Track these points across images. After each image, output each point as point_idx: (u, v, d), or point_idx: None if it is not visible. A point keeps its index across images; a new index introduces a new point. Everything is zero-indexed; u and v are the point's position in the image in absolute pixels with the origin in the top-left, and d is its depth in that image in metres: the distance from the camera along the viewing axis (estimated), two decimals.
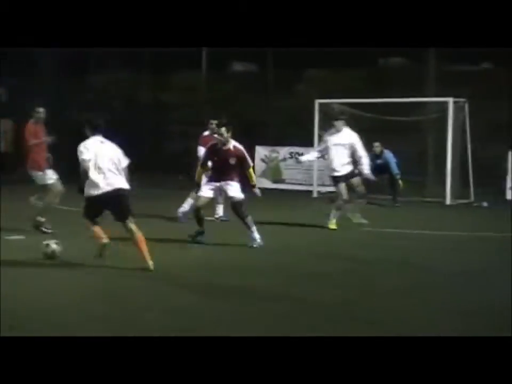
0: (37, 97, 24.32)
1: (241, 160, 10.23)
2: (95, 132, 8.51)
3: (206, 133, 12.77)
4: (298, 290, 7.33)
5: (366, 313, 6.40)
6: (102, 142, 8.43)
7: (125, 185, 8.39)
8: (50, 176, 11.02)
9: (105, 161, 8.25)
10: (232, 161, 10.16)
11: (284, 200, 13.73)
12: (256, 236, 10.03)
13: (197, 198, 10.58)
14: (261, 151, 20.33)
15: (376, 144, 16.63)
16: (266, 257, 9.40)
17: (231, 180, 10.15)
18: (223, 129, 10.16)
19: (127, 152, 8.60)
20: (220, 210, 12.66)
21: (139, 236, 8.27)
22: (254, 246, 9.97)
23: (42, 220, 10.86)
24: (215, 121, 12.12)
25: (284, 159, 19.86)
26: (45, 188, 11.04)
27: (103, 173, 8.20)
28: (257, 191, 10.40)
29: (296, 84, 23.74)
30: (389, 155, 16.59)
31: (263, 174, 19.85)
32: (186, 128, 22.58)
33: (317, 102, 18.50)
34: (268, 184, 19.65)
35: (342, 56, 20.84)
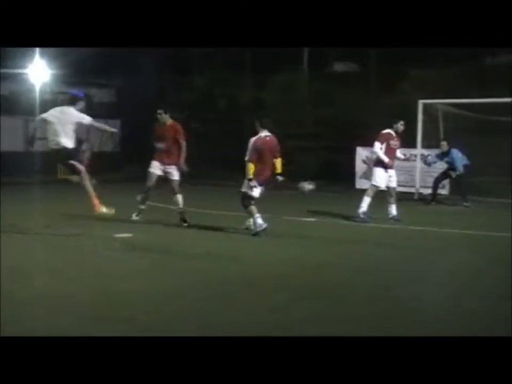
0: (141, 97, 24.96)
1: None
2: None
3: (386, 130, 12.89)
4: (398, 291, 7.17)
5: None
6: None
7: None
8: None
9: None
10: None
11: (384, 201, 13.61)
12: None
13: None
14: (362, 152, 20.11)
15: (443, 142, 16.81)
16: (366, 253, 9.36)
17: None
18: (257, 122, 10.96)
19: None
20: (393, 209, 12.94)
21: None
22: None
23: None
24: (400, 121, 12.83)
25: None
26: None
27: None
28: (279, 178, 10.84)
29: (398, 83, 23.35)
30: (456, 154, 16.50)
31: (364, 175, 19.60)
32: (285, 129, 22.60)
33: (420, 102, 18.18)
34: (369, 185, 19.36)
35: (446, 54, 20.34)
